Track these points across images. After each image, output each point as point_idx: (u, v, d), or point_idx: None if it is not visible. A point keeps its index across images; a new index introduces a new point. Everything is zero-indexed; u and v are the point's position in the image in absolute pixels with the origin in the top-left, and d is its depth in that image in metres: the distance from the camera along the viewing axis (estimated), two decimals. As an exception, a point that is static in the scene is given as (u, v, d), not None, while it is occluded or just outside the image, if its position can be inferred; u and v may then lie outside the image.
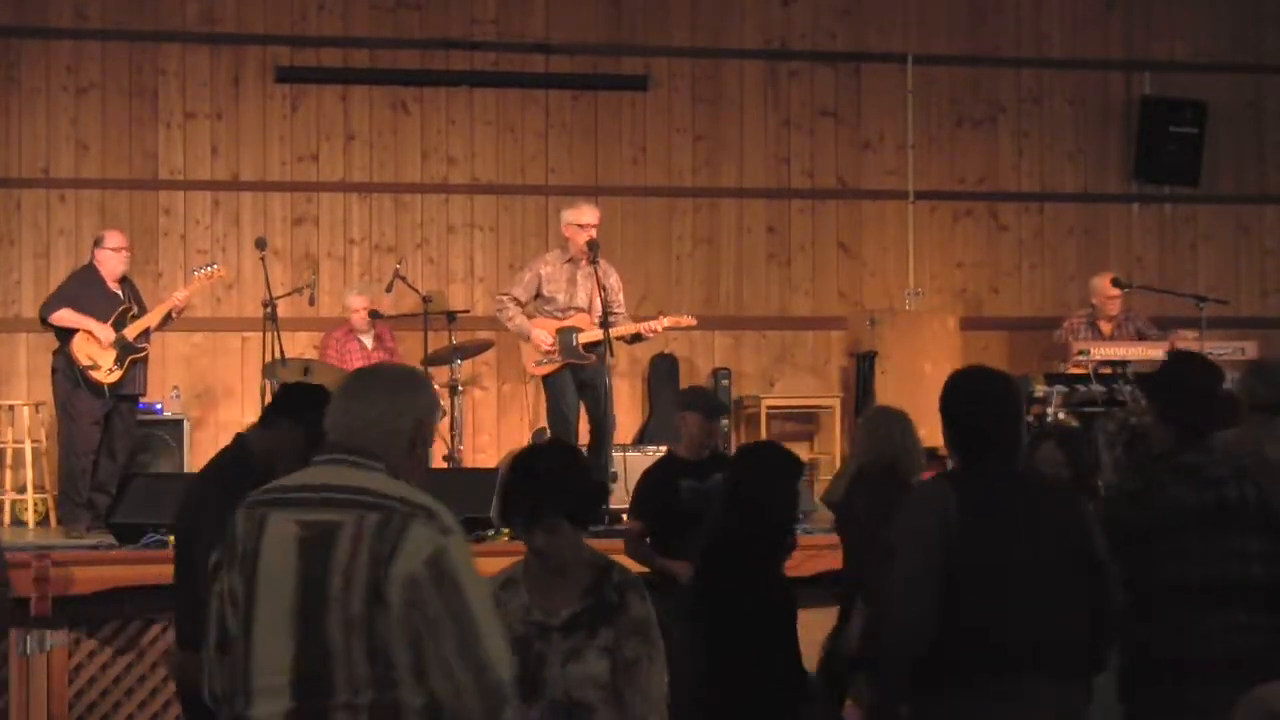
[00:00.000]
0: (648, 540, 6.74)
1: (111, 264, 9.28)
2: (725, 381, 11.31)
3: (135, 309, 9.31)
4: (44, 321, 9.15)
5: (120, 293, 9.32)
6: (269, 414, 5.04)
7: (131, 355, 9.13)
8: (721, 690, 4.73)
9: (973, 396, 3.95)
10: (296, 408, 4.81)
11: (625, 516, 7.43)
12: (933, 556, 3.76)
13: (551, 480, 3.87)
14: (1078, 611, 3.83)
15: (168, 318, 9.37)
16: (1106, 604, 3.91)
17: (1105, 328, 10.41)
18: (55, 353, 9.17)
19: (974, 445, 3.91)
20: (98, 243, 9.39)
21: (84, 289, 9.20)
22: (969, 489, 3.84)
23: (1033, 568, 3.79)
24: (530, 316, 9.09)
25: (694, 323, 9.49)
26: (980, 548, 3.76)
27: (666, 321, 9.10)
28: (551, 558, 3.87)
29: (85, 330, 9.03)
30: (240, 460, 4.93)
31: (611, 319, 8.83)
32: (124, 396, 9.19)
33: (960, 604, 3.75)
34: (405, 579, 3.02)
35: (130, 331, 9.14)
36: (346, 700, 3.03)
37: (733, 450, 8.75)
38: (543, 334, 8.91)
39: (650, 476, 6.91)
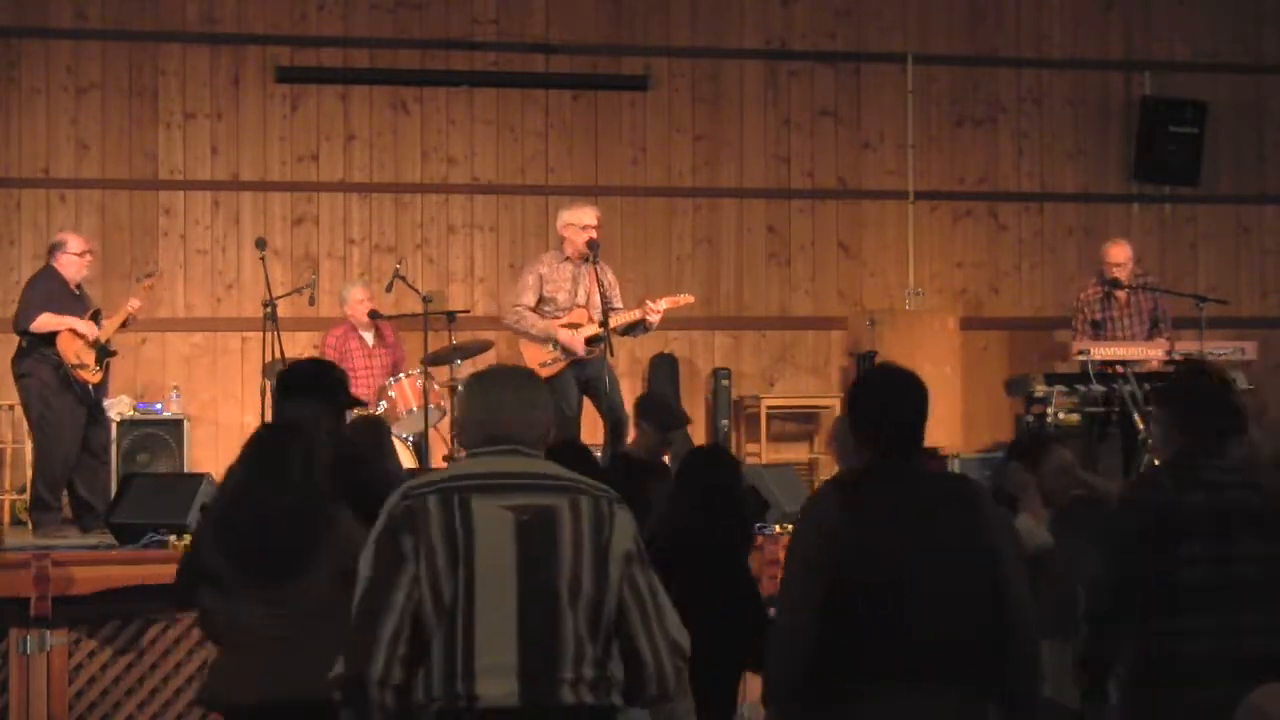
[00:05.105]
0: None
1: (74, 268, 8.97)
2: (725, 381, 11.31)
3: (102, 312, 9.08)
4: (24, 332, 8.79)
5: (82, 295, 9.06)
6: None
7: (107, 357, 8.94)
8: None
9: (878, 392, 3.92)
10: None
11: None
12: (810, 567, 3.71)
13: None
14: (976, 617, 3.72)
15: (124, 324, 9.14)
16: (1014, 617, 3.75)
17: (1121, 295, 10.19)
18: (16, 358, 8.84)
19: (879, 442, 3.85)
20: (60, 247, 9.01)
21: (51, 294, 8.87)
22: (861, 492, 3.78)
23: (928, 572, 3.70)
24: (533, 319, 9.13)
25: (692, 300, 9.47)
26: (871, 553, 3.68)
27: (665, 303, 9.10)
28: None
29: (69, 330, 8.74)
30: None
31: (612, 314, 8.86)
32: (95, 401, 8.96)
33: (853, 611, 3.66)
34: (623, 555, 3.30)
35: (104, 334, 8.92)
36: (573, 676, 3.21)
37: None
38: (571, 333, 8.91)
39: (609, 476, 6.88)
